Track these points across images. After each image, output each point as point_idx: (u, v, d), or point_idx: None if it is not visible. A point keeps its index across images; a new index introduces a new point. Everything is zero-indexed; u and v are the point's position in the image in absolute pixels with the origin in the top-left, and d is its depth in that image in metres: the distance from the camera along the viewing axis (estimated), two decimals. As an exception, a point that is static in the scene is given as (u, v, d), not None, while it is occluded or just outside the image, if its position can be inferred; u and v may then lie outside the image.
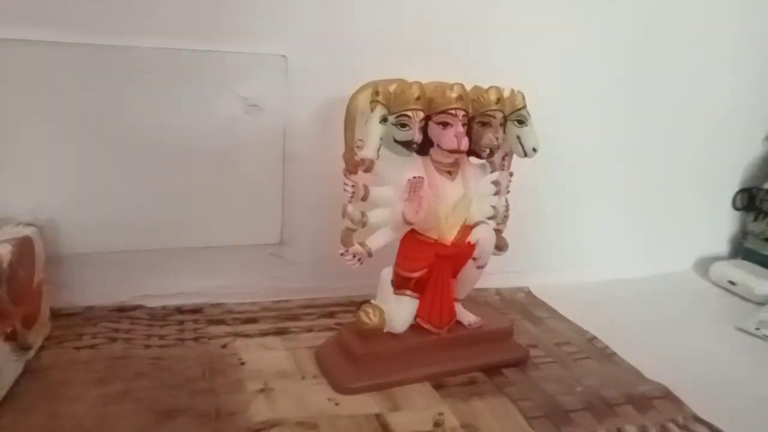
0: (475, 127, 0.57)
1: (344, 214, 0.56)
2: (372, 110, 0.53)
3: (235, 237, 0.68)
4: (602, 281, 0.86)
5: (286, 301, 0.73)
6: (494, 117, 0.56)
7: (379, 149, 0.53)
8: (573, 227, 0.87)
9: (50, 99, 0.58)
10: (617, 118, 0.85)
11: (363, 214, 0.56)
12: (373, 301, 0.60)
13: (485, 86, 0.57)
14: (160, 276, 0.68)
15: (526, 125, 0.58)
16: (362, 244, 0.57)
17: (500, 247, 0.64)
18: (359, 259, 0.57)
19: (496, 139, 0.56)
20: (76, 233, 0.63)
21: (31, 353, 0.55)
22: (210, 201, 0.67)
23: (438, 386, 0.58)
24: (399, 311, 0.59)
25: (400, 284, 0.59)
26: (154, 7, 0.59)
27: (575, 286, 0.84)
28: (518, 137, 0.59)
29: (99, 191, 0.63)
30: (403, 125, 0.53)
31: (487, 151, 0.57)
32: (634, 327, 0.75)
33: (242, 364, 0.58)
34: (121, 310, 0.66)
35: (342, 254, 0.57)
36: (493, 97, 0.56)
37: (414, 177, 0.55)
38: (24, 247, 0.53)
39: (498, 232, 0.64)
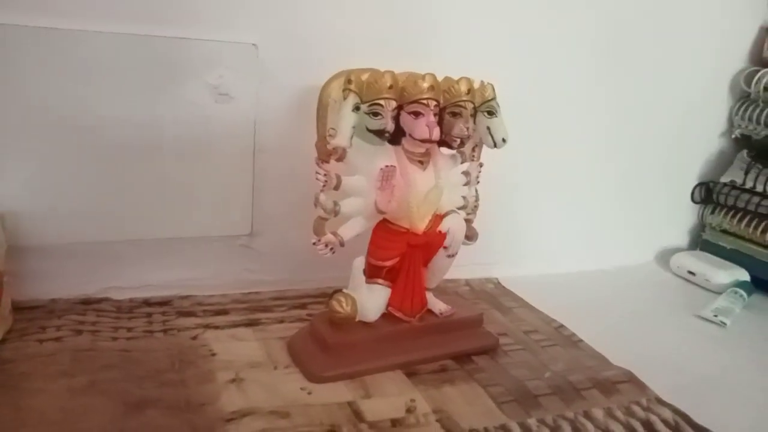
0: (446, 118, 0.57)
1: (316, 203, 0.56)
2: (344, 98, 0.53)
3: (205, 228, 0.68)
4: (568, 272, 0.88)
5: (257, 293, 0.72)
6: (465, 108, 0.57)
7: (351, 138, 0.53)
8: (540, 220, 0.89)
9: (8, 87, 0.56)
10: (582, 113, 0.87)
11: (335, 204, 0.57)
12: (345, 290, 0.60)
13: (456, 77, 0.57)
14: (127, 268, 0.67)
15: (496, 116, 0.59)
16: (334, 234, 0.58)
17: (470, 236, 0.65)
18: (331, 249, 0.57)
19: (467, 129, 0.57)
20: (37, 224, 0.61)
21: (-9, 346, 0.53)
22: (179, 191, 0.66)
23: (410, 374, 0.58)
24: (371, 300, 0.59)
25: (372, 273, 0.59)
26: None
27: (543, 277, 0.86)
28: (488, 128, 0.60)
29: (62, 181, 0.61)
30: (376, 114, 0.53)
31: (458, 141, 0.58)
32: (600, 316, 0.77)
33: (213, 355, 0.58)
34: (87, 302, 0.65)
35: (314, 243, 0.57)
36: (463, 87, 0.57)
37: (386, 166, 0.55)
38: (-15, 237, 0.52)
39: (468, 222, 0.65)
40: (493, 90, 0.59)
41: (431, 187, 0.58)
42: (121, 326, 0.61)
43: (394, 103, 0.54)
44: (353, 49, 0.64)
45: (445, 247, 0.60)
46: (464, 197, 0.64)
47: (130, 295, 0.67)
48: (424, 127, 0.55)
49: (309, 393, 0.53)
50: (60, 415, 0.46)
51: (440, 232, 0.59)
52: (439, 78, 0.57)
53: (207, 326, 0.63)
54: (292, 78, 0.65)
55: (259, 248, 0.71)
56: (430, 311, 0.63)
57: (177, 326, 0.63)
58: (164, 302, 0.68)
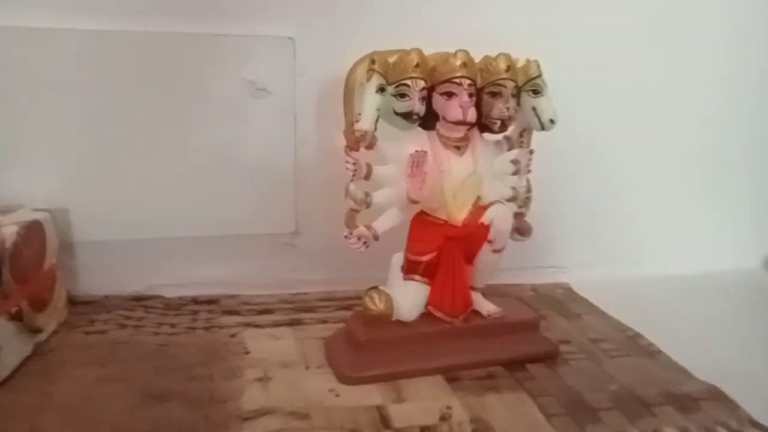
0: (484, 98, 0.53)
1: (347, 194, 0.53)
2: (368, 80, 0.50)
3: (249, 226, 0.67)
4: (654, 277, 0.78)
5: (305, 293, 0.71)
6: (504, 86, 0.52)
7: (376, 121, 0.50)
8: (619, 217, 0.80)
9: (57, 89, 0.59)
10: (666, 95, 0.77)
11: (367, 194, 0.54)
12: (381, 287, 0.57)
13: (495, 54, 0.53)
14: (176, 265, 0.68)
15: (542, 95, 0.54)
16: (368, 227, 0.54)
17: (522, 231, 0.59)
18: (365, 242, 0.54)
19: (507, 109, 0.52)
20: (88, 221, 0.64)
21: (42, 336, 0.55)
22: (222, 188, 0.66)
23: (451, 379, 0.53)
24: (407, 298, 0.55)
25: (409, 269, 0.55)
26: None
27: (621, 283, 0.77)
28: (534, 108, 0.54)
29: (113, 180, 0.63)
30: (403, 95, 0.50)
31: (498, 123, 0.53)
32: (686, 325, 0.67)
33: (246, 353, 0.56)
34: (138, 299, 0.66)
35: (346, 237, 0.54)
36: (502, 65, 0.52)
37: (416, 151, 0.51)
38: (32, 231, 0.54)
39: (519, 215, 0.59)
40: (539, 66, 0.54)
41: (469, 174, 0.53)
42: (166, 322, 0.62)
43: (422, 83, 0.50)
44: (392, 38, 0.61)
45: (489, 241, 0.55)
46: (514, 188, 0.58)
47: (180, 293, 0.68)
48: (457, 107, 0.51)
49: (336, 395, 0.50)
50: (80, 402, 0.46)
51: (482, 223, 0.54)
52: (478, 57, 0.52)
53: (248, 324, 0.62)
54: (330, 69, 0.62)
55: (304, 247, 0.69)
56: (477, 313, 0.58)
57: (219, 324, 0.62)
58: (212, 301, 0.68)
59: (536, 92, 0.54)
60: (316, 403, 0.49)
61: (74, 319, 0.61)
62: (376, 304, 0.54)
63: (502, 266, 0.72)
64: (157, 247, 0.66)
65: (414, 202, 0.52)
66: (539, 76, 0.54)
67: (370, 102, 0.50)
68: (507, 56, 0.52)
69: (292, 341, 0.59)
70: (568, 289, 0.77)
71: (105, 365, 0.52)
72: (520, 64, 0.54)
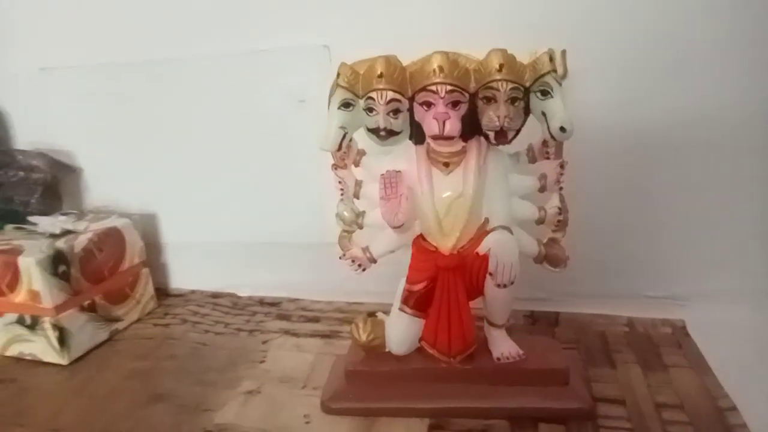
0: (479, 105, 0.44)
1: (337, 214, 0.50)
2: (331, 95, 0.46)
3: (303, 234, 0.68)
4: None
5: (360, 303, 0.69)
6: (497, 89, 0.43)
7: (341, 140, 0.46)
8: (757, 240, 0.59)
9: (142, 110, 0.68)
10: None
11: (358, 215, 0.50)
12: (379, 314, 0.53)
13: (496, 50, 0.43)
14: (248, 267, 0.73)
15: (552, 96, 0.43)
16: (365, 249, 0.51)
17: (553, 261, 0.49)
18: (359, 265, 0.51)
19: (498, 118, 0.43)
20: (176, 226, 0.73)
21: (121, 325, 0.66)
22: (282, 198, 0.68)
23: (435, 426, 0.47)
24: (397, 330, 0.50)
25: (404, 298, 0.50)
26: (201, 17, 0.63)
27: (759, 326, 0.57)
28: (543, 114, 0.43)
29: (194, 190, 0.71)
30: (371, 110, 0.45)
31: (493, 134, 0.44)
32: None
33: (261, 362, 0.58)
34: (215, 296, 0.74)
35: (340, 258, 0.52)
36: (494, 63, 0.43)
37: (387, 171, 0.46)
38: (108, 237, 0.64)
39: (552, 241, 0.49)
40: (551, 60, 0.43)
41: (456, 196, 0.45)
42: (222, 321, 0.67)
43: (390, 95, 0.44)
44: (426, 43, 0.55)
45: (490, 274, 0.46)
46: (541, 208, 0.48)
47: (251, 292, 0.73)
48: (432, 120, 0.43)
49: (307, 422, 0.49)
50: (105, 392, 0.54)
51: (478, 253, 0.46)
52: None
53: (287, 332, 0.64)
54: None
55: (359, 256, 0.68)
56: (488, 352, 0.50)
57: (264, 329, 0.65)
58: (275, 303, 0.71)
59: (545, 93, 0.43)
60: (282, 428, 0.48)
61: (159, 310, 0.71)
62: (359, 335, 0.50)
63: (589, 292, 0.62)
64: (232, 250, 0.72)
65: (393, 227, 0.47)
66: (550, 72, 0.43)
67: (332, 120, 0.46)
68: (500, 52, 0.43)
69: (312, 356, 0.59)
70: (679, 329, 0.60)
71: (145, 359, 0.60)
72: (529, 58, 0.44)
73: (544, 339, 0.53)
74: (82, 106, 0.70)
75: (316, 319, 0.67)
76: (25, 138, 0.73)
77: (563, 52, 0.44)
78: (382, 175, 0.46)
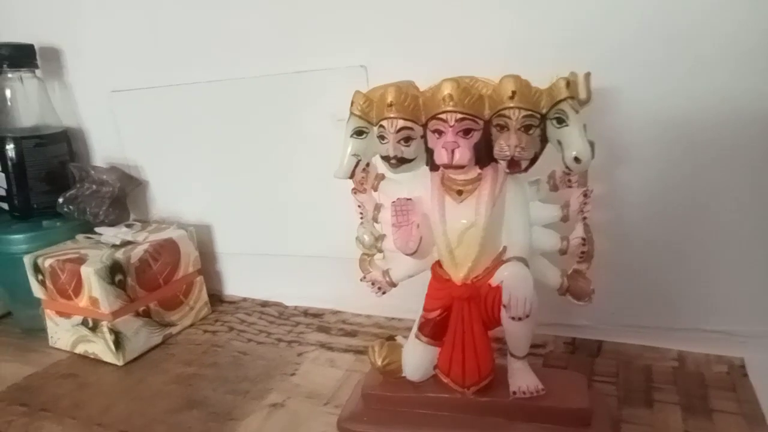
0: (493, 132, 0.43)
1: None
2: (347, 123, 0.47)
3: (346, 250, 0.69)
4: None
5: (400, 319, 0.69)
6: (509, 117, 0.41)
7: (354, 167, 0.47)
8: None
9: (199, 131, 0.73)
10: None
11: (378, 239, 0.50)
12: (399, 338, 0.53)
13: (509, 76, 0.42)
14: (295, 279, 0.75)
15: (567, 125, 0.40)
16: (385, 272, 0.51)
17: (576, 294, 0.46)
18: (379, 288, 0.51)
19: (508, 147, 0.41)
20: (229, 237, 0.77)
21: (175, 329, 0.71)
22: (333, 213, 0.69)
23: (447, 458, 0.47)
24: (410, 356, 0.50)
25: (420, 325, 0.50)
26: (249, 41, 0.66)
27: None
28: (559, 142, 0.41)
29: (245, 205, 0.74)
30: (382, 137, 0.45)
31: (505, 163, 0.42)
32: None
33: (292, 375, 0.60)
34: (263, 304, 0.77)
35: (361, 280, 0.52)
36: (506, 90, 0.41)
37: (398, 199, 0.45)
38: (164, 247, 0.69)
39: (575, 273, 0.46)
40: (570, 86, 0.40)
41: (469, 226, 0.44)
42: (266, 330, 0.70)
43: (399, 123, 0.44)
44: (462, 63, 0.54)
45: (504, 306, 0.44)
46: (564, 238, 0.46)
47: (297, 302, 0.76)
48: (441, 149, 0.43)
49: (322, 441, 0.50)
50: (151, 393, 0.58)
51: (491, 285, 0.44)
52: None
53: (323, 345, 0.66)
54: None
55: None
56: (506, 386, 0.48)
57: (303, 340, 0.67)
58: (318, 314, 0.73)
59: (560, 121, 0.41)
60: (299, 446, 0.50)
61: (212, 316, 0.75)
62: (375, 359, 0.50)
63: (637, 321, 0.59)
64: (280, 262, 0.75)
65: (407, 254, 0.47)
66: (566, 98, 0.40)
67: (346, 147, 0.46)
68: (513, 78, 0.41)
69: (342, 372, 0.60)
70: (736, 369, 0.55)
71: (190, 364, 0.64)
72: (547, 83, 0.42)
73: (571, 374, 0.50)
74: (149, 125, 0.76)
75: (353, 333, 0.68)
76: (100, 154, 0.80)
77: (587, 75, 0.42)
78: (393, 202, 0.46)
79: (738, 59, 0.49)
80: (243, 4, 0.65)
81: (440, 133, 0.43)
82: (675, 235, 0.56)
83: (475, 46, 0.57)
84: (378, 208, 0.50)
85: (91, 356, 0.66)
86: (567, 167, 0.41)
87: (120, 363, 0.64)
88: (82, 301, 0.64)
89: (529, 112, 0.41)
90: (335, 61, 0.63)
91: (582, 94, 0.41)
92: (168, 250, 0.70)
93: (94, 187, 0.73)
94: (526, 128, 0.41)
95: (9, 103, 0.72)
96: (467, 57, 0.56)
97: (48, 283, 0.66)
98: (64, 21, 0.76)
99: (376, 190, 0.50)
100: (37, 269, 0.66)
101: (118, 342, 0.64)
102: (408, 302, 0.53)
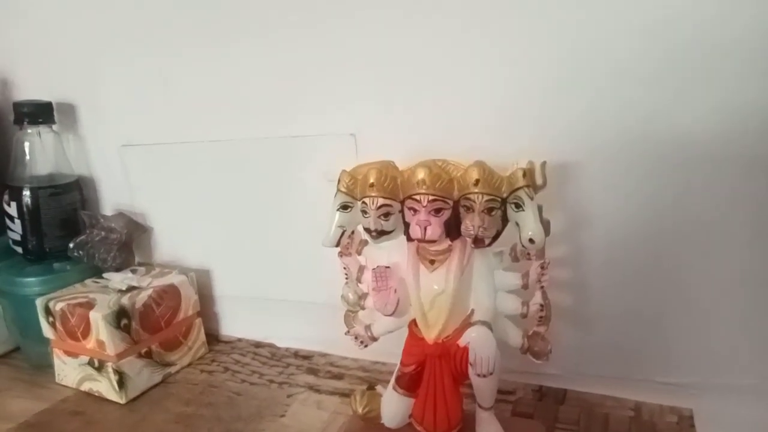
0: (461, 211, 0.49)
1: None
2: (334, 198, 0.53)
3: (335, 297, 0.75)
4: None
5: (383, 363, 0.75)
6: (474, 201, 0.47)
7: (341, 237, 0.53)
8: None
9: (203, 184, 0.79)
10: None
11: (360, 297, 0.56)
12: (379, 387, 0.58)
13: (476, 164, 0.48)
14: (287, 321, 0.80)
15: (523, 210, 0.46)
16: (367, 327, 0.57)
17: (536, 353, 0.52)
18: (362, 342, 0.57)
19: (473, 227, 0.47)
20: (226, 281, 0.82)
21: (174, 369, 0.76)
22: (324, 263, 0.75)
23: (418, 500, 0.52)
24: (388, 406, 0.55)
25: (396, 378, 0.55)
26: (249, 103, 0.73)
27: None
28: (516, 224, 0.47)
29: (243, 251, 0.80)
30: (364, 212, 0.51)
31: (471, 239, 0.48)
32: None
33: (281, 416, 0.65)
34: (257, 345, 0.82)
35: (345, 334, 0.58)
36: (472, 177, 0.47)
37: (377, 266, 0.51)
38: (166, 293, 0.74)
39: (535, 335, 0.52)
40: (525, 175, 0.47)
41: (439, 293, 0.50)
42: (258, 371, 0.76)
43: (379, 201, 0.50)
44: (446, 136, 0.61)
45: (471, 364, 0.50)
46: (525, 303, 0.51)
47: (288, 344, 0.81)
48: (415, 225, 0.49)
49: (305, 482, 0.55)
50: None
51: (459, 345, 0.50)
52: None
53: (311, 387, 0.71)
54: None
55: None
56: (475, 434, 0.53)
57: (293, 381, 0.73)
58: (307, 356, 0.79)
59: (518, 206, 0.47)
60: (285, 485, 0.55)
61: (209, 355, 0.80)
62: (356, 407, 0.56)
63: (600, 372, 0.64)
64: (274, 305, 0.81)
65: (386, 315, 0.52)
66: (523, 187, 0.47)
67: (332, 219, 0.52)
68: (479, 167, 0.47)
69: (329, 414, 0.65)
70: (685, 419, 0.60)
71: (188, 404, 0.69)
72: (511, 171, 0.48)
73: (532, 423, 0.56)
74: (155, 176, 0.82)
75: (340, 376, 0.73)
76: (109, 202, 0.86)
77: (543, 164, 0.48)
78: (373, 269, 0.52)
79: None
80: (248, 71, 0.72)
81: (415, 210, 0.49)
82: (633, 294, 0.62)
83: (456, 120, 0.62)
84: (362, 269, 0.56)
85: (96, 394, 0.71)
86: (523, 246, 0.47)
87: (123, 401, 0.69)
88: (90, 343, 0.69)
89: (492, 197, 0.47)
90: (328, 128, 0.69)
91: (538, 181, 0.48)
92: (170, 294, 0.75)
93: (103, 233, 0.79)
94: (489, 210, 0.47)
95: (27, 156, 0.78)
96: (448, 130, 0.63)
97: (58, 325, 0.71)
98: (81, 78, 0.82)
99: (360, 254, 0.56)
100: (48, 312, 0.72)
101: (122, 382, 0.69)
102: (392, 347, 0.58)
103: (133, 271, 0.78)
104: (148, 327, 0.72)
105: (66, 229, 0.80)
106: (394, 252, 0.53)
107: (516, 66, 0.59)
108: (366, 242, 0.55)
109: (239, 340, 0.84)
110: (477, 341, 0.49)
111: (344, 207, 0.52)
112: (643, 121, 0.56)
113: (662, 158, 0.56)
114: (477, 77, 0.61)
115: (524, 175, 0.47)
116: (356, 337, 0.57)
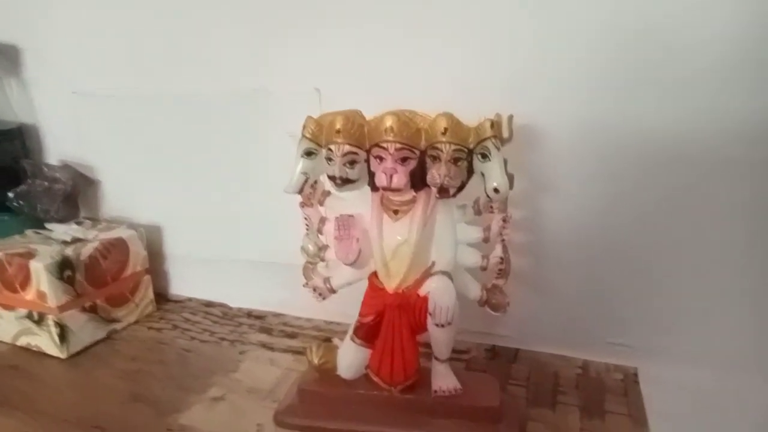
0: (427, 161, 0.49)
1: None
2: (298, 144, 0.52)
3: (299, 257, 0.74)
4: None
5: (338, 323, 0.74)
6: (441, 150, 0.47)
7: (303, 184, 0.52)
8: (727, 298, 0.61)
9: (161, 140, 0.76)
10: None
11: (321, 249, 0.55)
12: (335, 340, 0.58)
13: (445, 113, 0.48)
14: (242, 281, 0.79)
15: (490, 160, 0.47)
16: (326, 280, 0.56)
17: (493, 306, 0.53)
18: (320, 294, 0.56)
19: (439, 176, 0.47)
20: (178, 239, 0.80)
21: (119, 325, 0.73)
22: (279, 222, 0.74)
23: (373, 449, 0.52)
24: (344, 357, 0.55)
25: (354, 328, 0.55)
26: (210, 56, 0.70)
27: (716, 384, 0.59)
28: (482, 174, 0.47)
29: (196, 208, 0.78)
30: (329, 159, 0.50)
31: (436, 189, 0.48)
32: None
33: (233, 372, 0.64)
34: (209, 305, 0.80)
35: (303, 286, 0.57)
36: (439, 126, 0.47)
37: (340, 215, 0.51)
38: (114, 246, 0.71)
39: (494, 288, 0.53)
40: (493, 126, 0.47)
41: (401, 242, 0.50)
42: (209, 329, 0.74)
43: (345, 148, 0.49)
44: (412, 90, 0.60)
45: (430, 314, 0.50)
46: (485, 257, 0.52)
47: (241, 304, 0.79)
48: (381, 173, 0.48)
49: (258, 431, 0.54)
50: (93, 388, 0.61)
51: (419, 295, 0.50)
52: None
53: (264, 345, 0.70)
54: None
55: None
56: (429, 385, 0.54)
57: (246, 340, 0.71)
58: (261, 316, 0.77)
59: (484, 156, 0.47)
60: (236, 435, 0.54)
61: (157, 314, 0.78)
62: (312, 358, 0.55)
63: (551, 333, 0.65)
64: (227, 265, 0.79)
65: (347, 264, 0.52)
66: (490, 137, 0.47)
67: (296, 166, 0.51)
68: (447, 116, 0.47)
69: (281, 370, 0.64)
70: (630, 376, 0.63)
71: (135, 360, 0.66)
72: (478, 122, 0.48)
73: (486, 377, 0.57)
74: (106, 127, 0.78)
75: (294, 335, 0.72)
76: (57, 153, 0.81)
77: (510, 117, 0.48)
78: (336, 218, 0.51)
79: (659, 95, 0.56)
80: (210, 22, 0.69)
81: (381, 159, 0.49)
82: (585, 260, 0.64)
83: (421, 79, 0.62)
84: (323, 221, 0.55)
85: (34, 349, 0.68)
86: (488, 196, 0.47)
87: (63, 356, 0.66)
88: (29, 295, 0.65)
89: (459, 147, 0.47)
90: (292, 83, 0.67)
91: (505, 134, 0.48)
92: (118, 248, 0.72)
93: (47, 183, 0.75)
94: (455, 160, 0.47)
95: (-38, 97, 0.73)
96: (412, 88, 0.62)
97: (-6, 275, 0.67)
98: (27, 19, 0.77)
99: (322, 204, 0.55)
100: (-17, 262, 0.67)
101: (63, 335, 0.66)
102: (346, 307, 0.58)
103: (79, 224, 0.75)
104: (94, 280, 0.69)
105: (5, 178, 0.75)
106: (357, 204, 0.52)
107: (488, 27, 0.59)
108: (328, 193, 0.55)
109: (189, 299, 0.82)
110: (437, 291, 0.49)
111: (308, 153, 0.51)
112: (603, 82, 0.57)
113: (624, 146, 0.58)
114: (447, 32, 0.61)
115: (492, 126, 0.47)
116: (314, 290, 0.56)
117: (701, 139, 0.56)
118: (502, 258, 0.52)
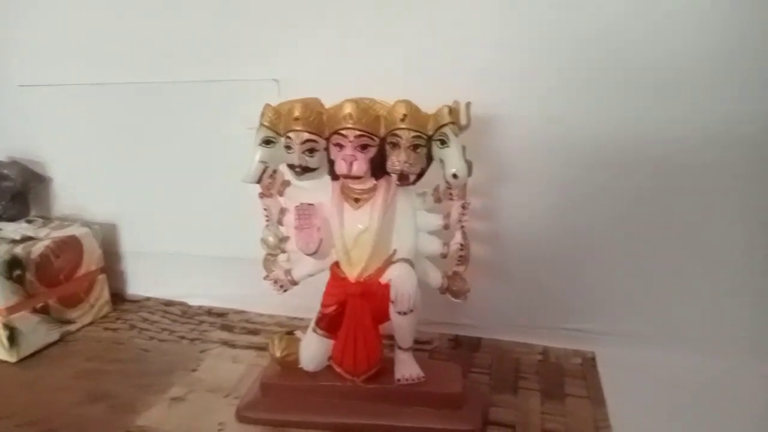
0: (387, 148, 0.49)
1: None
2: (256, 132, 0.51)
3: (260, 251, 0.72)
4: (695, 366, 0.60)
5: (300, 319, 0.74)
6: (400, 137, 0.47)
7: (263, 173, 0.51)
8: (677, 282, 0.63)
9: (114, 133, 0.74)
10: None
11: (281, 240, 0.55)
12: (297, 332, 0.57)
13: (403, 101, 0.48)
14: (202, 278, 0.77)
15: (448, 146, 0.47)
16: (287, 272, 0.56)
17: (454, 293, 0.53)
18: (281, 286, 0.56)
19: (399, 162, 0.47)
20: (134, 236, 0.78)
21: (73, 327, 0.71)
22: (241, 216, 0.72)
23: (341, 440, 0.51)
24: (307, 348, 0.54)
25: (317, 319, 0.54)
26: (165, 45, 0.68)
27: (660, 365, 0.61)
28: (441, 160, 0.48)
29: (153, 204, 0.76)
30: (288, 147, 0.50)
31: (396, 176, 0.48)
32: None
33: (193, 371, 0.63)
34: (167, 303, 0.78)
35: (264, 278, 0.56)
36: (399, 113, 0.47)
37: (301, 204, 0.50)
38: (66, 244, 0.69)
39: (454, 275, 0.53)
40: (451, 113, 0.47)
41: (362, 230, 0.50)
42: (169, 328, 0.72)
43: (305, 135, 0.49)
44: (371, 79, 0.60)
45: (392, 302, 0.50)
46: (446, 244, 0.52)
47: (201, 302, 0.78)
48: (341, 161, 0.48)
49: (220, 430, 0.53)
50: (45, 391, 0.59)
51: (380, 282, 0.50)
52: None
53: (226, 343, 0.69)
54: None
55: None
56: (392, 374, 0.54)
57: (206, 338, 0.70)
58: (222, 314, 0.76)
59: (443, 142, 0.47)
60: (195, 433, 0.53)
61: (113, 314, 0.76)
62: (274, 351, 0.55)
63: (512, 321, 0.66)
64: (186, 262, 0.77)
65: (308, 255, 0.52)
66: (448, 123, 0.47)
67: (254, 154, 0.51)
68: (406, 103, 0.47)
69: (244, 367, 0.63)
70: (588, 360, 0.64)
71: (91, 360, 0.64)
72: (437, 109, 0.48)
73: (448, 365, 0.57)
74: (56, 122, 0.76)
75: (256, 332, 0.71)
76: (5, 149, 0.78)
77: (467, 104, 0.49)
78: (297, 207, 0.51)
79: (622, 88, 0.58)
80: (162, 10, 0.68)
81: (341, 146, 0.48)
82: (544, 249, 0.65)
83: (378, 69, 0.62)
84: (283, 211, 0.54)
85: (-19, 352, 0.65)
86: (447, 182, 0.48)
87: (13, 360, 0.64)
88: (-24, 296, 0.63)
89: (418, 133, 0.47)
90: (250, 73, 0.66)
91: (463, 121, 0.48)
92: (71, 246, 0.70)
93: (-7, 181, 0.72)
94: (415, 147, 0.48)
95: None
96: (370, 78, 0.62)
97: (-63, 277, 0.64)
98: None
99: (281, 195, 0.54)
100: (-75, 263, 0.64)
101: (13, 338, 0.63)
102: (308, 301, 0.57)
103: (29, 222, 0.72)
104: (45, 280, 0.66)
105: (-52, 175, 0.72)
106: (317, 194, 0.52)
107: (451, 17, 0.60)
108: (288, 183, 0.54)
109: (147, 299, 0.80)
110: (399, 279, 0.49)
111: (267, 142, 0.50)
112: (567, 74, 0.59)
113: (585, 138, 0.60)
114: (411, 21, 0.61)
115: (450, 112, 0.47)
116: (275, 282, 0.55)
117: (657, 132, 0.58)
118: (462, 245, 0.52)
